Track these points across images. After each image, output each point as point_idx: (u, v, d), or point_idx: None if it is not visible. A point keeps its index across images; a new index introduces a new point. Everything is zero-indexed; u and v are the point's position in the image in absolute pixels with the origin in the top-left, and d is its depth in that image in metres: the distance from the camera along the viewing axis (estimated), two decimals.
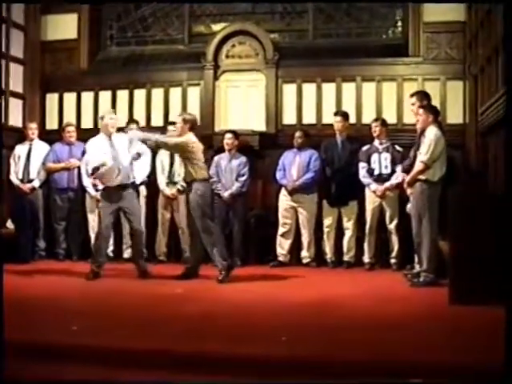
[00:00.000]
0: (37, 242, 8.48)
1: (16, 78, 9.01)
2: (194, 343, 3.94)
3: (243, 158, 8.13)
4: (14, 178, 8.49)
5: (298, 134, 8.13)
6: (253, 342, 3.98)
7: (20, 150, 8.56)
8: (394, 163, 7.60)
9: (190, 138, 6.83)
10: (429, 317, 4.87)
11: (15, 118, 9.01)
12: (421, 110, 6.36)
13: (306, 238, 8.03)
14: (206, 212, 6.75)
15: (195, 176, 6.75)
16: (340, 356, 3.68)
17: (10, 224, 8.45)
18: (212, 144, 8.45)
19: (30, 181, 8.43)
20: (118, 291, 6.16)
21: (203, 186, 6.82)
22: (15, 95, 9.00)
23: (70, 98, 9.42)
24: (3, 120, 8.46)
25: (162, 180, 8.26)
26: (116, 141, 6.95)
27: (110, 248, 8.38)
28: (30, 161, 8.48)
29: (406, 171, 6.53)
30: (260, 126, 8.72)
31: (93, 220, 8.33)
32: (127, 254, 8.38)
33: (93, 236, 8.37)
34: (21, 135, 8.75)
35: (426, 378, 3.38)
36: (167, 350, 3.79)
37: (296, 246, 8.15)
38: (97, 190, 7.76)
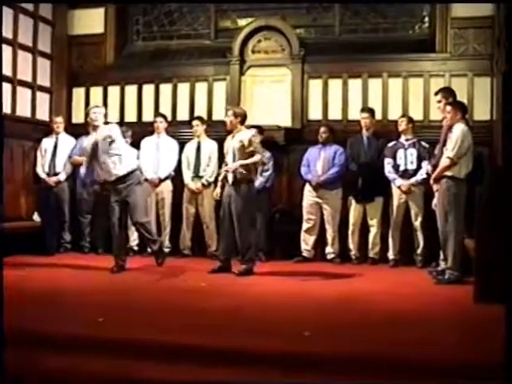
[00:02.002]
0: (62, 234, 8.56)
1: (43, 73, 9.07)
2: (218, 337, 3.95)
3: (268, 153, 8.12)
4: (41, 171, 8.57)
5: (322, 129, 8.12)
6: (275, 336, 3.97)
7: (46, 143, 8.64)
8: (419, 159, 7.57)
9: (255, 136, 7.00)
10: (453, 314, 4.85)
11: (42, 112, 9.07)
12: (449, 107, 6.31)
13: (330, 234, 8.02)
14: (251, 211, 6.90)
15: (251, 176, 6.92)
16: (363, 352, 3.67)
17: (36, 217, 8.53)
18: None
19: (56, 174, 8.51)
20: (143, 284, 6.20)
21: (253, 186, 7.02)
22: (42, 89, 9.06)
23: (96, 92, 9.46)
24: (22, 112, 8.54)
25: (187, 174, 8.28)
26: (98, 134, 6.87)
27: (135, 242, 8.45)
28: (56, 154, 8.56)
29: (433, 168, 6.49)
30: (285, 121, 8.69)
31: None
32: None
33: None
34: (47, 129, 8.82)
35: (451, 375, 3.37)
36: (190, 343, 3.80)
37: (320, 242, 8.15)
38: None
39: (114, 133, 6.81)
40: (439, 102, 6.66)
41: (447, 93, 6.72)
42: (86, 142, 7.01)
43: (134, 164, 7.02)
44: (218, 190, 7.08)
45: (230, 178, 6.86)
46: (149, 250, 8.32)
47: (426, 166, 7.36)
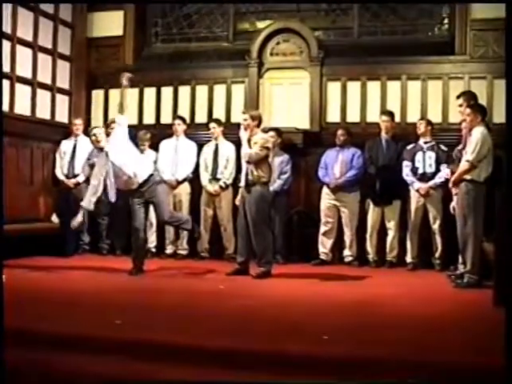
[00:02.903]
0: (81, 236, 8.60)
1: (63, 75, 9.12)
2: (236, 340, 3.95)
3: (286, 156, 8.12)
4: (60, 173, 8.63)
5: (340, 131, 8.09)
6: (294, 339, 3.97)
7: (65, 145, 8.69)
8: (438, 162, 7.54)
9: (269, 138, 7.07)
10: (472, 318, 4.82)
11: (62, 114, 9.12)
12: (468, 110, 6.27)
13: (348, 237, 8.00)
14: (265, 214, 6.89)
15: (265, 178, 6.89)
16: (382, 355, 3.66)
17: (54, 218, 8.58)
18: None
19: (75, 176, 8.54)
20: (161, 287, 6.21)
21: (267, 188, 6.99)
22: (62, 91, 9.11)
23: (115, 94, 9.47)
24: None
25: (205, 177, 8.30)
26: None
27: (153, 243, 8.48)
28: (75, 156, 8.59)
29: (452, 172, 6.45)
30: (304, 123, 8.68)
31: None
32: (170, 249, 8.46)
33: None
34: (67, 131, 8.87)
35: (469, 379, 3.35)
36: (208, 346, 3.80)
37: (338, 245, 8.13)
38: None
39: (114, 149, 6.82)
40: (461, 105, 6.60)
41: (469, 96, 6.67)
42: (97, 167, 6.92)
43: (150, 168, 7.05)
44: (240, 196, 7.09)
45: (243, 180, 6.87)
46: (167, 251, 8.40)
47: (444, 169, 7.34)
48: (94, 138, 6.86)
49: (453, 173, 6.39)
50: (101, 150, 6.81)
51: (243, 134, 6.91)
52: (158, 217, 7.11)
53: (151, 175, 6.90)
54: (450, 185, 6.39)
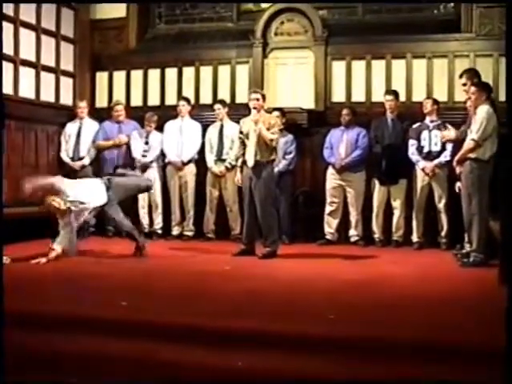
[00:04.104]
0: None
1: (67, 57, 9.11)
2: (241, 320, 3.96)
3: (290, 136, 8.10)
4: (65, 155, 8.64)
5: (345, 111, 8.06)
6: (300, 319, 3.99)
7: (70, 128, 8.69)
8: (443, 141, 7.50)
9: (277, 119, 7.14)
10: (478, 297, 4.83)
11: (66, 97, 9.11)
12: (473, 88, 6.23)
13: (353, 217, 7.99)
14: (272, 193, 6.96)
15: (274, 156, 6.95)
16: (388, 335, 3.67)
17: None
18: None
19: (81, 158, 8.56)
20: (167, 268, 6.22)
21: (273, 168, 7.07)
22: (66, 74, 9.10)
23: (119, 76, 9.48)
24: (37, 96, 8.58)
25: (210, 158, 8.29)
26: None
27: (159, 225, 8.50)
28: (80, 139, 8.61)
29: (456, 149, 6.44)
30: (308, 103, 8.65)
31: (142, 199, 8.46)
32: (176, 230, 8.47)
33: (142, 213, 8.50)
34: (71, 113, 8.87)
35: (476, 358, 3.36)
36: (214, 326, 3.82)
37: (344, 225, 8.13)
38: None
39: None
40: (464, 84, 6.57)
41: (472, 74, 6.62)
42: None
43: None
44: (239, 175, 7.07)
45: (251, 161, 6.84)
46: (173, 233, 8.42)
47: (450, 148, 7.31)
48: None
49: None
50: None
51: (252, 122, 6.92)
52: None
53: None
54: (454, 163, 6.37)
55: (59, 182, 6.55)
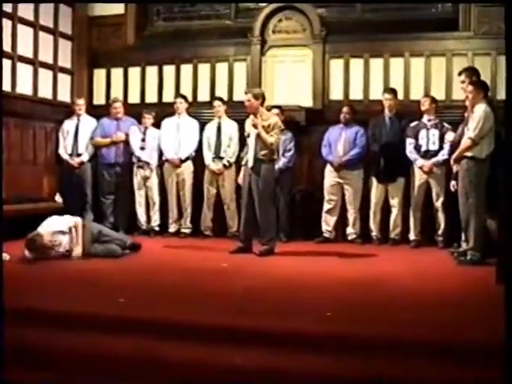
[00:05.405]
0: (85, 215, 8.57)
1: (64, 54, 9.08)
2: (239, 317, 3.97)
3: (289, 134, 8.10)
4: (63, 152, 8.63)
5: (345, 109, 8.06)
6: (297, 317, 3.99)
7: (68, 125, 8.68)
8: (441, 140, 7.51)
9: (278, 119, 7.07)
10: (475, 295, 4.84)
11: (64, 93, 9.10)
12: (470, 87, 6.24)
13: (351, 215, 8.00)
14: (271, 191, 6.98)
15: (274, 156, 6.99)
16: (384, 333, 3.68)
17: (58, 198, 8.60)
18: None
19: (79, 155, 8.55)
20: (164, 265, 6.24)
21: (273, 166, 7.08)
22: (63, 71, 9.08)
23: (117, 73, 9.46)
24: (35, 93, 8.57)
25: (208, 155, 8.28)
26: None
27: (156, 222, 8.51)
28: (78, 136, 8.60)
29: (454, 148, 6.44)
30: (306, 101, 8.64)
31: (140, 197, 8.47)
32: (173, 228, 8.47)
33: (139, 210, 8.51)
34: (69, 110, 8.85)
35: (471, 356, 3.37)
36: (211, 323, 3.83)
37: (341, 223, 8.13)
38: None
39: None
40: (463, 82, 6.58)
41: (471, 73, 6.64)
42: None
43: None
44: (242, 174, 7.08)
45: (251, 160, 6.84)
46: (171, 230, 8.42)
47: (447, 146, 7.30)
48: None
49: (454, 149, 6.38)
50: None
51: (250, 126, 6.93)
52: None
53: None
54: (451, 162, 6.38)
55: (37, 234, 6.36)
